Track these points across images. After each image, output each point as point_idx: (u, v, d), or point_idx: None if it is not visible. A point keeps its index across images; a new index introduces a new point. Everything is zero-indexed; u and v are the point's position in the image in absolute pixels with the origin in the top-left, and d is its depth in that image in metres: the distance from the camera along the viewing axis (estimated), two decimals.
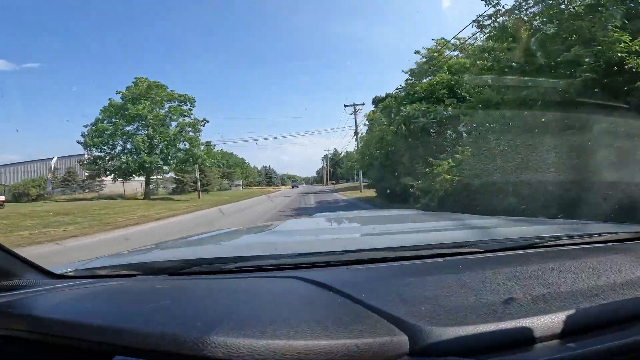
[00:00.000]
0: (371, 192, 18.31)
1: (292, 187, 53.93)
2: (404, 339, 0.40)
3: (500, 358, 0.40)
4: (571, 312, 0.46)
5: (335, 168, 61.16)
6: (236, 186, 46.40)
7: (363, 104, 25.70)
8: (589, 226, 1.01)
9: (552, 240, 0.78)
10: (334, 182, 58.07)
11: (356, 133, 25.95)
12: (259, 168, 71.89)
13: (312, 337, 0.40)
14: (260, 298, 0.54)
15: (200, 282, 0.65)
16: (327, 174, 60.08)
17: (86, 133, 18.98)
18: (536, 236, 0.82)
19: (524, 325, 0.43)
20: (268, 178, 72.66)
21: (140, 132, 19.39)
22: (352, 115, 25.85)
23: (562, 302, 0.48)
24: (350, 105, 25.57)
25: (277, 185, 66.23)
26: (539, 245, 0.75)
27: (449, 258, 0.67)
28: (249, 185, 57.57)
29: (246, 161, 58.30)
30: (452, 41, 10.70)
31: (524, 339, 0.42)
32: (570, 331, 0.44)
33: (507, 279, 0.56)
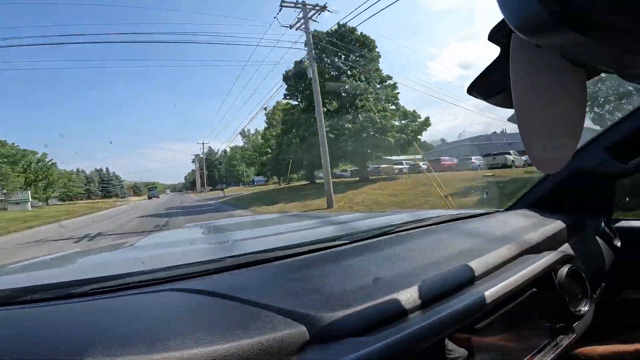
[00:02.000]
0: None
1: (150, 199, 42.50)
2: (302, 329, 0.43)
3: (385, 331, 0.45)
4: (427, 281, 0.56)
5: (213, 170, 55.60)
6: (17, 203, 27.32)
7: None
8: (427, 212, 1.26)
9: (400, 227, 0.92)
10: (212, 187, 51.77)
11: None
12: (87, 172, 55.16)
13: (210, 344, 0.38)
14: (134, 316, 0.47)
15: (46, 310, 0.51)
16: (200, 178, 52.77)
17: None
18: (389, 224, 0.96)
19: (395, 299, 0.50)
20: (105, 187, 56.24)
21: None
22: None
23: (416, 275, 0.59)
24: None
25: (124, 197, 52.64)
26: (392, 232, 0.89)
27: (323, 252, 0.73)
28: (67, 200, 42.32)
29: (49, 160, 36.15)
30: None
31: (398, 311, 0.49)
32: (431, 299, 0.53)
33: (372, 262, 0.65)
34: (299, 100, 20.58)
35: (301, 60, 19.02)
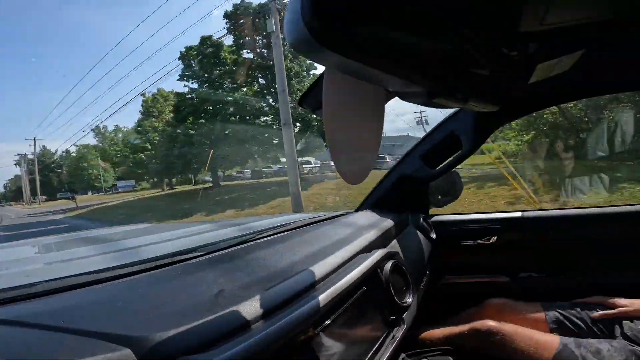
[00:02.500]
0: None
1: None
2: (126, 351, 0.39)
3: (223, 345, 0.43)
4: (271, 290, 0.56)
5: (49, 175, 43.19)
6: None
7: None
8: (285, 218, 1.30)
9: (255, 236, 0.91)
10: (48, 197, 40.42)
11: None
12: None
13: None
14: None
15: None
16: (31, 185, 40.77)
17: None
18: (243, 234, 0.95)
19: (236, 311, 0.49)
20: None
21: None
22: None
23: (262, 284, 0.58)
24: None
25: None
26: (246, 241, 0.88)
27: (167, 268, 0.67)
28: None
29: None
30: None
31: (239, 324, 0.48)
32: (274, 307, 0.53)
33: (219, 275, 0.62)
34: (201, 82, 17.93)
35: (210, 37, 16.85)
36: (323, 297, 0.58)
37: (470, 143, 1.13)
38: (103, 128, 42.43)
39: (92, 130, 40.35)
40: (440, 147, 1.24)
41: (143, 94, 25.58)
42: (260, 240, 0.89)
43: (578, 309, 1.09)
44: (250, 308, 0.51)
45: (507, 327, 1.00)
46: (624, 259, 1.29)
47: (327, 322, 0.59)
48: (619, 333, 1.01)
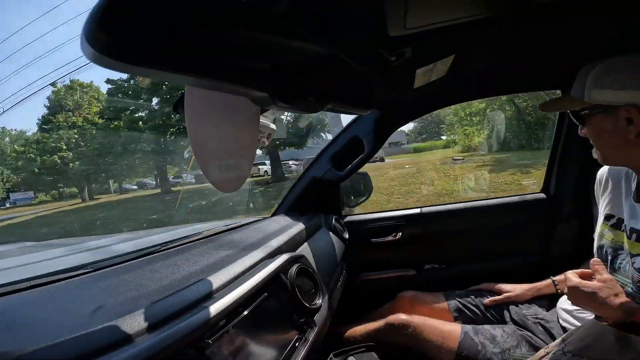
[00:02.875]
0: None
1: None
2: None
3: (100, 357, 0.40)
4: (159, 302, 0.53)
5: None
6: None
7: None
8: (196, 227, 1.25)
9: (160, 247, 0.87)
10: None
11: None
12: None
13: None
14: None
15: None
16: None
17: None
18: (145, 247, 0.89)
19: (114, 325, 0.46)
20: None
21: None
22: None
23: (150, 298, 0.55)
24: None
25: None
26: (147, 254, 0.82)
27: (48, 286, 0.62)
28: None
29: None
30: None
31: (118, 338, 0.45)
32: (162, 320, 0.51)
33: (103, 291, 0.58)
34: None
35: None
36: (216, 307, 0.57)
37: (371, 145, 1.22)
38: None
39: None
40: (346, 150, 1.31)
41: (54, 84, 21.22)
42: (159, 253, 0.84)
43: (472, 296, 1.20)
44: (133, 322, 0.48)
45: (417, 320, 1.07)
46: (507, 246, 1.47)
47: (223, 330, 0.57)
48: (508, 318, 1.12)
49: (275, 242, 0.94)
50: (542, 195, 1.50)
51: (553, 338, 0.99)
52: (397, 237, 1.49)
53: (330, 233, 1.29)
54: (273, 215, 1.41)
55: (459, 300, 1.20)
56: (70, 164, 19.69)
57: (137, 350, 0.43)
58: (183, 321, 0.51)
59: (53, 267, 0.75)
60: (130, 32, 0.25)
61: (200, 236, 1.01)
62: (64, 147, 19.90)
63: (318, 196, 1.41)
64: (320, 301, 0.84)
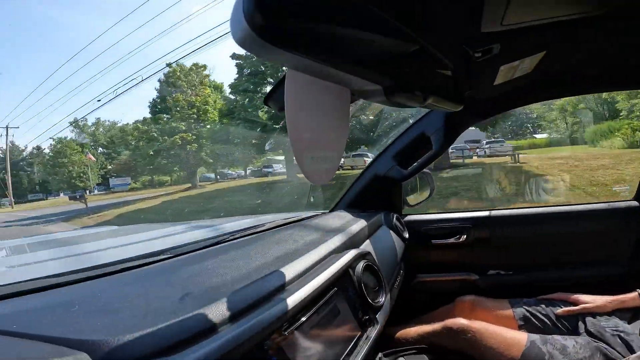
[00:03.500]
0: None
1: None
2: (82, 356, 0.38)
3: (188, 348, 0.42)
4: (238, 292, 0.55)
5: (18, 174, 36.65)
6: None
7: None
8: (260, 218, 1.28)
9: (227, 237, 0.90)
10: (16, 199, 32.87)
11: None
12: None
13: None
14: None
15: None
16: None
17: None
18: (217, 235, 0.93)
19: (202, 313, 0.47)
20: None
21: None
22: None
23: (229, 287, 0.57)
24: None
25: None
26: (218, 242, 0.86)
27: (136, 270, 0.66)
28: None
29: None
30: None
31: (205, 327, 0.46)
32: (242, 310, 0.52)
33: (186, 278, 0.61)
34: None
35: None
36: (292, 299, 0.57)
37: (440, 143, 1.16)
38: (82, 121, 36.83)
39: (70, 124, 34.95)
40: (412, 148, 1.26)
41: (169, 64, 19.73)
42: (230, 242, 0.88)
43: (543, 305, 1.12)
44: (217, 311, 0.50)
45: (477, 325, 1.02)
46: (587, 255, 1.35)
47: (298, 323, 0.58)
48: (582, 329, 1.03)
49: (341, 238, 0.93)
50: (635, 202, 1.35)
51: (632, 352, 0.91)
52: (461, 239, 1.41)
53: (391, 231, 1.26)
54: (332, 210, 1.40)
55: (527, 308, 1.12)
56: (188, 146, 18.49)
57: (221, 342, 0.44)
58: (263, 312, 0.52)
59: (135, 252, 0.80)
60: (286, 16, 0.24)
61: (264, 228, 1.03)
62: (183, 127, 18.53)
63: (379, 193, 1.37)
64: (383, 299, 0.82)
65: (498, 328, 1.02)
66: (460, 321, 1.04)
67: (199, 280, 0.60)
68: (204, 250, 0.80)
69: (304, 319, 0.59)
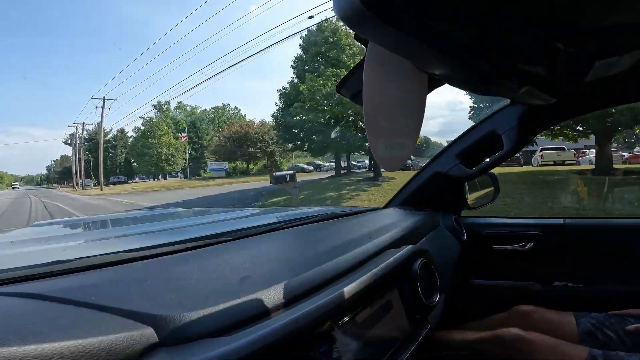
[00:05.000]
0: None
1: None
2: (148, 330, 0.39)
3: (244, 330, 0.43)
4: (295, 279, 0.55)
5: (107, 157, 35.51)
6: None
7: None
8: (314, 210, 1.30)
9: (282, 225, 0.92)
10: (96, 181, 31.05)
11: None
12: None
13: (43, 341, 0.33)
14: None
15: None
16: (79, 165, 32.13)
17: None
18: (271, 222, 0.95)
19: (259, 297, 0.49)
20: None
21: None
22: None
23: (286, 273, 0.58)
24: None
25: None
26: (273, 229, 0.88)
27: (193, 251, 0.69)
28: None
29: None
30: None
31: (262, 310, 0.48)
32: (297, 296, 0.52)
33: (246, 260, 0.63)
34: None
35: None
36: (348, 289, 0.56)
37: (513, 143, 1.06)
38: (165, 104, 37.51)
39: (153, 106, 36.09)
40: (479, 146, 1.17)
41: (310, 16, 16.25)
42: (288, 229, 0.90)
43: (613, 321, 1.01)
44: (274, 295, 0.51)
45: (533, 336, 0.94)
46: None
47: (350, 315, 0.57)
48: None
49: (398, 232, 0.91)
50: None
51: None
52: (527, 247, 1.30)
53: (449, 232, 1.19)
54: (385, 207, 1.37)
55: (594, 323, 1.01)
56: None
57: (277, 326, 0.44)
58: (318, 300, 0.52)
59: (201, 233, 0.83)
60: None
61: (317, 218, 1.04)
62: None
63: (438, 192, 1.31)
64: (437, 299, 0.79)
65: (555, 340, 0.93)
66: (514, 331, 0.97)
67: (257, 264, 0.62)
68: (262, 235, 0.83)
69: (357, 310, 0.59)
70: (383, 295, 0.67)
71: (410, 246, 0.80)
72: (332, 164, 22.82)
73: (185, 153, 34.31)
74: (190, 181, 28.62)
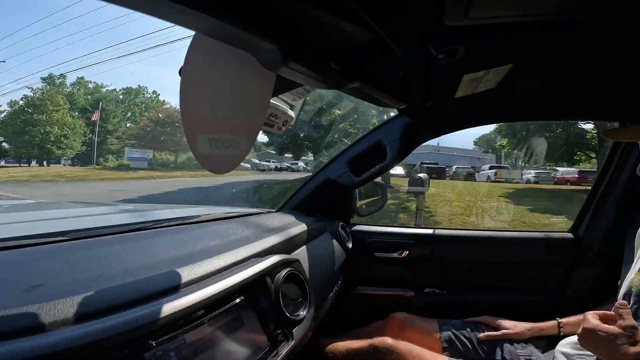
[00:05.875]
0: None
1: None
2: None
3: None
4: (105, 290, 0.46)
5: None
6: None
7: None
8: (194, 209, 1.18)
9: (150, 224, 0.81)
10: None
11: None
12: None
13: None
14: None
15: None
16: None
17: None
18: (141, 221, 0.83)
19: (39, 311, 0.39)
20: None
21: None
22: None
23: (98, 282, 0.47)
24: None
25: None
26: (133, 229, 0.75)
27: (22, 249, 0.57)
28: None
29: None
30: None
31: (43, 322, 0.39)
32: (106, 309, 0.43)
33: (61, 265, 0.52)
34: None
35: None
36: (172, 305, 0.48)
37: (394, 155, 1.11)
38: (59, 78, 29.87)
39: (42, 79, 28.16)
40: (367, 155, 1.20)
41: None
42: (148, 231, 0.77)
43: (469, 329, 1.12)
44: (64, 309, 0.41)
45: (402, 346, 1.01)
46: (521, 281, 1.36)
47: (174, 333, 0.48)
48: (499, 356, 1.04)
49: (271, 240, 0.84)
50: (570, 235, 1.39)
51: None
52: (403, 255, 1.38)
53: (333, 240, 1.19)
54: (278, 210, 1.32)
55: (454, 331, 1.12)
56: None
57: (53, 340, 0.36)
58: (125, 316, 0.43)
59: (35, 230, 0.68)
60: None
61: (195, 220, 0.94)
62: None
63: (329, 199, 1.30)
64: (304, 312, 0.74)
65: (422, 351, 1.01)
66: (386, 341, 1.03)
67: (69, 270, 0.50)
68: (108, 236, 0.69)
69: (183, 329, 0.50)
70: (231, 310, 0.59)
71: (275, 256, 0.74)
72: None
73: (86, 136, 28.22)
74: (104, 171, 21.80)
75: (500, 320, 1.13)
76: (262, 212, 1.25)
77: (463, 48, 0.63)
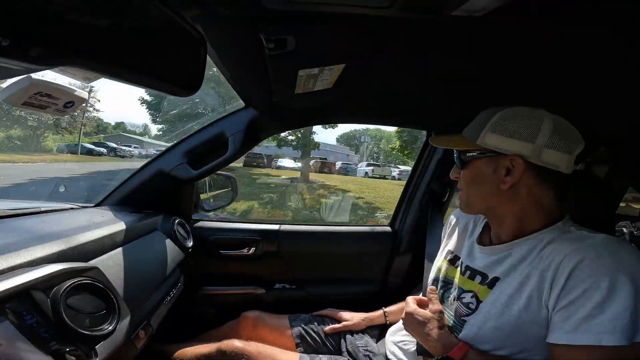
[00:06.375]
0: None
1: None
2: None
3: None
4: None
5: None
6: None
7: None
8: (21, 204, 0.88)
9: None
10: None
11: None
12: None
13: None
14: None
15: None
16: None
17: None
18: None
19: None
20: None
21: None
22: None
23: None
24: None
25: None
26: None
27: None
28: None
29: None
30: None
31: None
32: None
33: None
34: None
35: None
36: None
37: (236, 148, 1.06)
38: None
39: None
40: (207, 147, 1.11)
41: None
42: None
43: (316, 323, 1.13)
44: None
45: (252, 348, 0.96)
46: (355, 273, 1.47)
47: None
48: (344, 348, 1.07)
49: (58, 246, 0.67)
50: (388, 228, 1.56)
51: None
52: (250, 251, 1.35)
53: (167, 239, 1.05)
54: (97, 205, 1.09)
55: (303, 326, 1.12)
56: None
57: None
58: None
59: None
60: None
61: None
62: None
63: (162, 193, 1.15)
64: (111, 326, 0.62)
65: (273, 350, 0.98)
66: (235, 343, 0.97)
67: None
68: None
69: None
70: None
71: (52, 265, 0.58)
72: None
73: None
74: None
75: (340, 313, 1.15)
76: (75, 208, 1.01)
77: (292, 38, 0.62)
